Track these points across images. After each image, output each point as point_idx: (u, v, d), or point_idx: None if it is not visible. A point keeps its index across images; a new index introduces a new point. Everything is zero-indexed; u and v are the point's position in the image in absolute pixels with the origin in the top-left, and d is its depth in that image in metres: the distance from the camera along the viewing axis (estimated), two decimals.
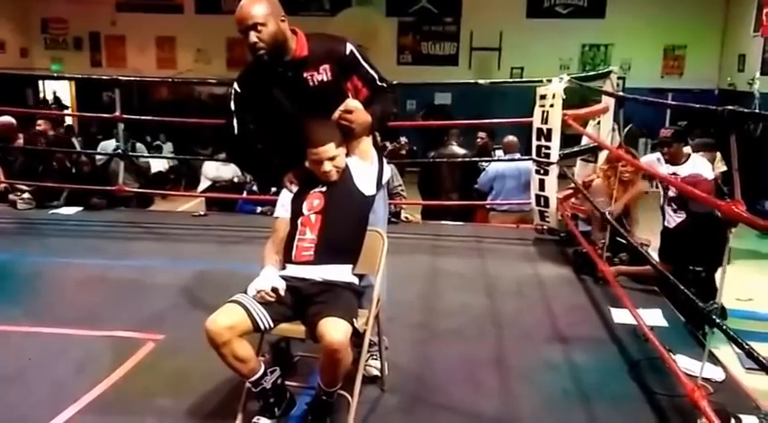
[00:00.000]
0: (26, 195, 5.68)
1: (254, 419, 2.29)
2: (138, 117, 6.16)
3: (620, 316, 3.42)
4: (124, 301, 3.62)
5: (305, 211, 2.39)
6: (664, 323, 3.36)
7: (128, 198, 6.11)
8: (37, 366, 2.81)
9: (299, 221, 2.39)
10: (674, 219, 4.62)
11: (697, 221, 3.77)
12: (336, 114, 2.37)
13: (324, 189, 2.41)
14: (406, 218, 5.60)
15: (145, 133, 11.04)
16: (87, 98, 13.19)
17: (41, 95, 13.93)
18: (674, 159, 4.67)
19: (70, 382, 2.66)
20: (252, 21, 2.31)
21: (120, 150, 5.95)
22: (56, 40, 14.12)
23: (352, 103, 2.40)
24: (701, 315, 2.45)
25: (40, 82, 13.92)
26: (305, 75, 2.45)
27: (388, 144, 5.94)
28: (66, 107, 13.58)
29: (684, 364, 2.74)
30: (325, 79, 2.45)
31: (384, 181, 2.60)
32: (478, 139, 6.78)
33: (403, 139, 5.99)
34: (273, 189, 5.01)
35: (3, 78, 12.02)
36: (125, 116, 5.61)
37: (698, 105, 2.88)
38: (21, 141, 6.14)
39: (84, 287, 3.84)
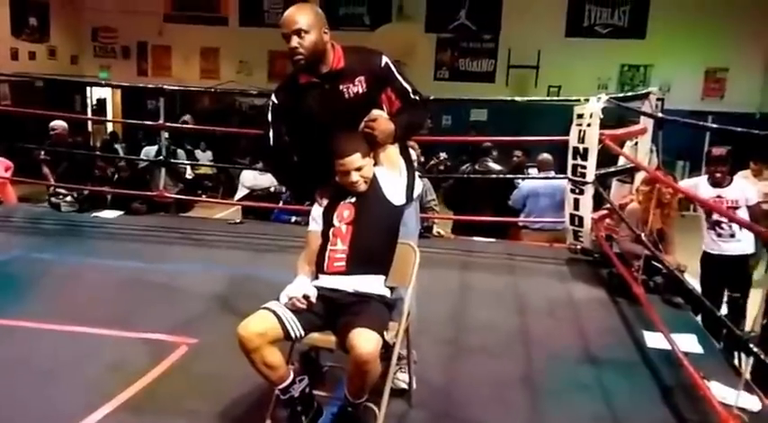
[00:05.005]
0: (69, 198, 5.85)
1: None
2: (180, 125, 6.31)
3: (654, 340, 3.35)
4: (159, 304, 3.69)
5: (336, 222, 2.42)
6: (699, 349, 3.28)
7: (167, 203, 6.25)
8: (72, 364, 2.88)
9: (330, 232, 2.42)
10: (717, 243, 4.52)
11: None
12: (362, 124, 2.41)
13: (354, 200, 2.43)
14: (438, 233, 5.60)
15: (186, 141, 11.27)
16: (133, 105, 13.58)
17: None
18: (721, 180, 4.57)
19: (104, 381, 2.72)
20: (296, 26, 2.37)
21: (161, 157, 6.10)
22: (105, 49, 14.60)
23: (375, 111, 2.44)
24: (737, 342, 2.40)
25: (88, 88, 14.37)
26: (341, 87, 2.48)
27: (436, 158, 6.01)
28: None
29: (719, 391, 2.67)
30: (360, 91, 2.49)
31: (416, 194, 2.62)
32: (514, 158, 6.76)
33: (442, 155, 6.03)
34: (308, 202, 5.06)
35: (53, 84, 12.43)
36: (168, 124, 5.76)
37: (739, 129, 2.82)
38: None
39: (121, 289, 3.93)
